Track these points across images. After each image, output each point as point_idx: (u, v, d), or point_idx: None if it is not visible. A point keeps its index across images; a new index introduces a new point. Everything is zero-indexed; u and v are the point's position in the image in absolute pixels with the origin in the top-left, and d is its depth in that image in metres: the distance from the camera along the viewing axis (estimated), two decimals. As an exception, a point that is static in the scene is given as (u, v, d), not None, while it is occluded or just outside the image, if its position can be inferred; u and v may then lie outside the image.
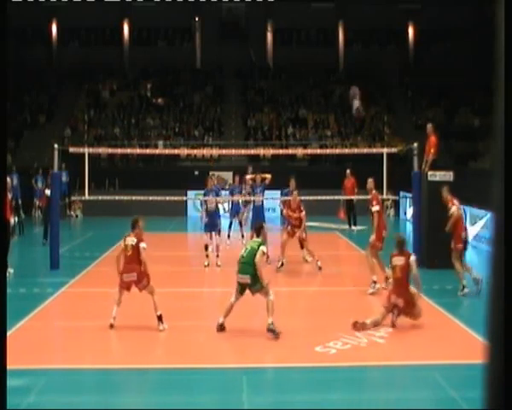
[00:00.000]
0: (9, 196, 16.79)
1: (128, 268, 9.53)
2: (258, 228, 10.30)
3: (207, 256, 14.94)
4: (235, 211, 18.51)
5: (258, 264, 9.31)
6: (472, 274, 12.11)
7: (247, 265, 9.37)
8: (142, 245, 9.49)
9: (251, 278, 9.35)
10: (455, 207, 12.37)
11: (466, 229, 12.84)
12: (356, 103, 15.33)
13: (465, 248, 12.41)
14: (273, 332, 9.12)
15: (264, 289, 9.37)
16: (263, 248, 9.44)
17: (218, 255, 15.17)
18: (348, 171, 22.68)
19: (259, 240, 9.74)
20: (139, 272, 9.48)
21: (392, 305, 9.63)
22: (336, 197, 19.90)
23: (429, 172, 15.09)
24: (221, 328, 9.44)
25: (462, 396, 6.91)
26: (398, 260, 9.82)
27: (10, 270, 14.61)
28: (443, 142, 27.57)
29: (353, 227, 22.59)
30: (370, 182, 13.14)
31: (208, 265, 14.94)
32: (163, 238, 19.29)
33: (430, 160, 15.38)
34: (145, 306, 11.63)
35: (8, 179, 16.84)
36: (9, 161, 27.87)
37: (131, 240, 9.56)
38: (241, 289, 9.49)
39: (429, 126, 15.97)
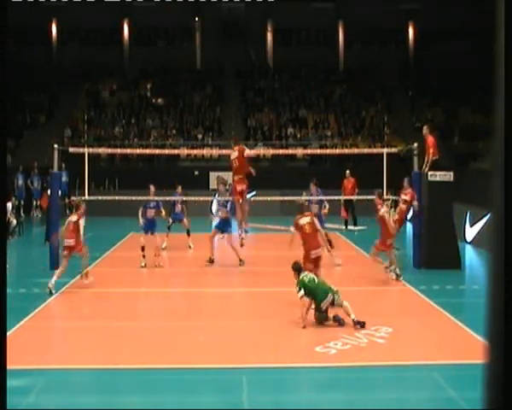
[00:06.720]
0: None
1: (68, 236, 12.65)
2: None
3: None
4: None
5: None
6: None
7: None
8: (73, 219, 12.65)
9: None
10: None
11: None
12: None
13: None
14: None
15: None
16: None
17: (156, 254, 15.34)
18: (348, 171, 22.67)
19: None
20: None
21: (316, 258, 11.30)
22: (336, 198, 19.89)
23: (429, 172, 15.09)
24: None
25: (462, 396, 6.90)
26: (305, 220, 11.60)
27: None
28: (443, 142, 27.57)
29: (352, 227, 22.62)
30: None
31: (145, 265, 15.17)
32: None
33: (430, 160, 15.36)
34: (145, 306, 11.63)
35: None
36: (9, 162, 27.85)
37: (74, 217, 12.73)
38: None
39: (425, 128, 16.06)
